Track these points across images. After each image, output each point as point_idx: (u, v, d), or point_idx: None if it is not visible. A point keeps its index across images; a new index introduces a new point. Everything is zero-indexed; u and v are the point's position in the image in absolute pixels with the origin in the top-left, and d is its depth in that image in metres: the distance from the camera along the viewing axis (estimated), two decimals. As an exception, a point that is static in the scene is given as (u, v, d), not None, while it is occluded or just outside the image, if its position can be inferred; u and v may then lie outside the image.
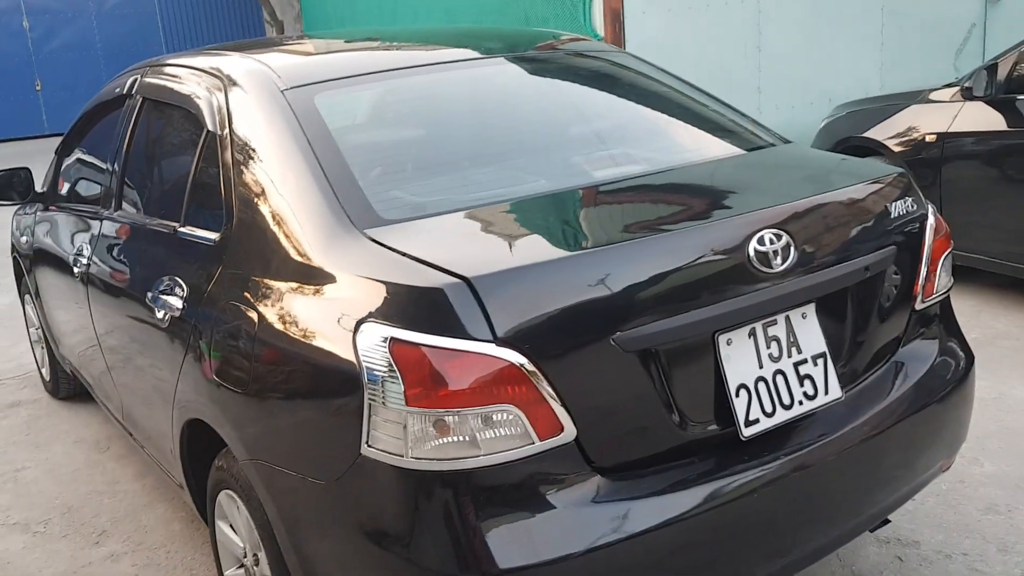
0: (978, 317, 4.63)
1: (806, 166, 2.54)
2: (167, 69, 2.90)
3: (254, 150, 2.27)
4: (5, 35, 15.07)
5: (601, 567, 1.74)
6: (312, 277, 1.94)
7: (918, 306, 2.30)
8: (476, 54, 2.74)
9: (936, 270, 2.32)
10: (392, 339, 1.69)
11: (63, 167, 3.86)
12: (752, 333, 1.96)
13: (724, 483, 1.88)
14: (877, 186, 2.27)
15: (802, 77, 6.57)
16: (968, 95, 4.63)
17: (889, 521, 2.41)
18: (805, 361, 2.03)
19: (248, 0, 15.19)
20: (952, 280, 2.46)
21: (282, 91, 2.33)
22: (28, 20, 15.08)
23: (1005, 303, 4.80)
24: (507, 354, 1.67)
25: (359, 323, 1.74)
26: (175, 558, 3.02)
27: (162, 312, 2.44)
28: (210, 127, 2.45)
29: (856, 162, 2.55)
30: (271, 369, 2.00)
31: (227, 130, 2.37)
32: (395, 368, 1.67)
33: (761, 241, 1.94)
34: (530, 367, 1.68)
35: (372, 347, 1.71)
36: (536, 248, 1.85)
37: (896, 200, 2.26)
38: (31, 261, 4.12)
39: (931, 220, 2.33)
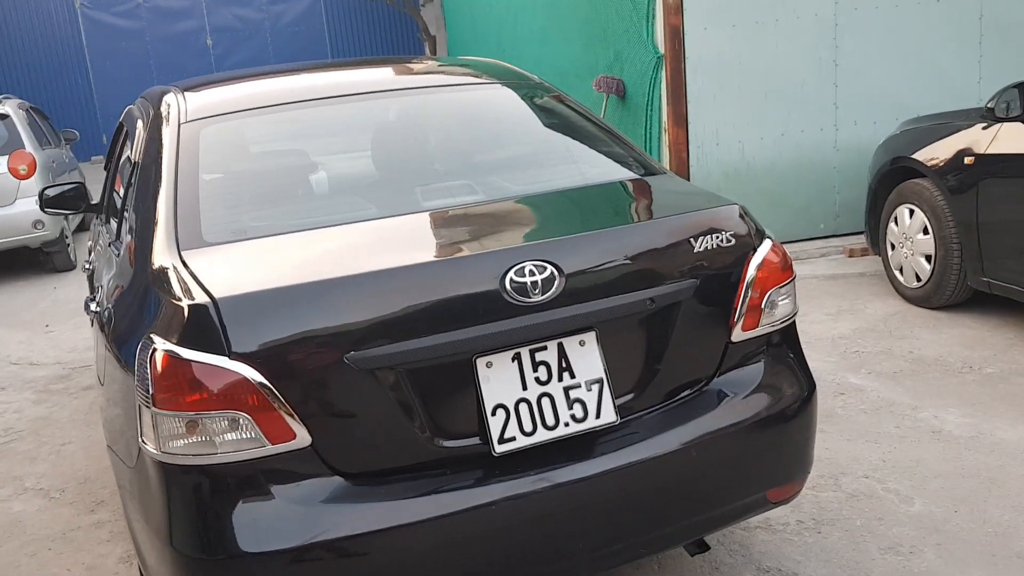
0: (1008, 352, 4.35)
1: (637, 198, 2.59)
2: (139, 100, 3.31)
3: (148, 175, 2.60)
4: (192, 53, 16.59)
5: (329, 560, 1.94)
6: (139, 291, 2.25)
7: (735, 338, 2.31)
8: (374, 88, 2.96)
9: (760, 303, 2.32)
10: (154, 349, 1.96)
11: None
12: (516, 357, 2.09)
13: (467, 495, 2.02)
14: (693, 220, 2.30)
15: (885, 91, 6.27)
16: (992, 116, 4.34)
17: (708, 547, 2.44)
18: (578, 386, 2.12)
19: (405, 17, 16.07)
20: (796, 309, 2.44)
21: (180, 124, 2.66)
22: (211, 39, 16.56)
23: (1048, 338, 4.47)
24: (239, 368, 1.90)
25: (144, 333, 2.03)
26: (142, 529, 3.43)
27: (91, 316, 2.84)
28: (135, 154, 2.82)
29: (697, 195, 2.55)
30: (108, 368, 2.33)
31: (140, 155, 2.73)
32: (150, 374, 1.94)
33: (521, 272, 2.06)
34: (261, 380, 1.90)
35: (144, 355, 1.98)
36: (296, 272, 2.04)
37: (711, 234, 2.28)
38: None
39: (761, 253, 2.33)
